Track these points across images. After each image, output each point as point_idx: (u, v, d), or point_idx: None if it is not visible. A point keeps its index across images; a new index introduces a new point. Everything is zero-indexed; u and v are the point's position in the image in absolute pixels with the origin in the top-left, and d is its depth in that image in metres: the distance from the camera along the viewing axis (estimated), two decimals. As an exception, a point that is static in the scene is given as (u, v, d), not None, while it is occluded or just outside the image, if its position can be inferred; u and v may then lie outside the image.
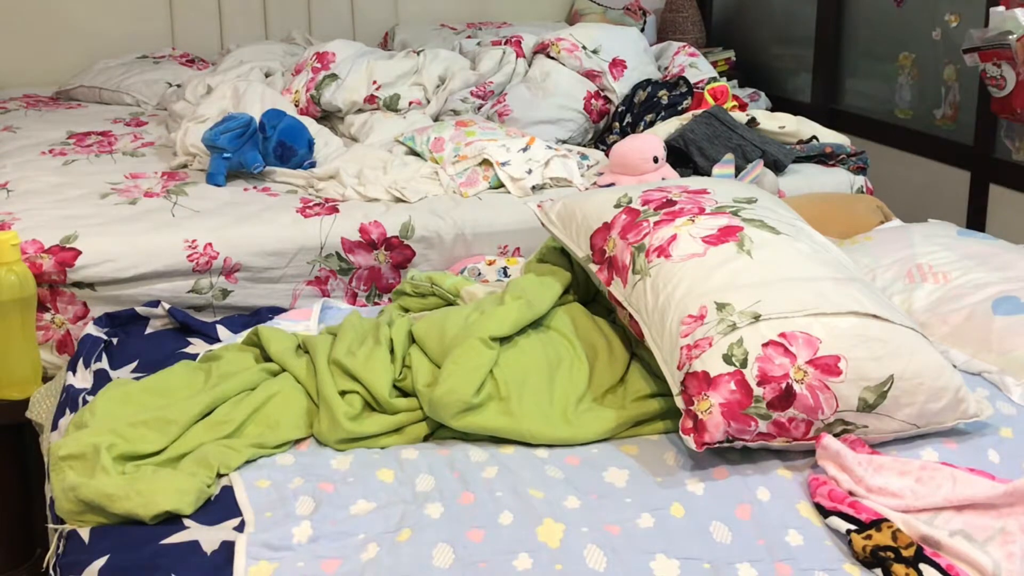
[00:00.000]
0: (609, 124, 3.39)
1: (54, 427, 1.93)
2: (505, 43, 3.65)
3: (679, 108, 3.29)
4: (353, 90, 3.37)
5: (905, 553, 1.44)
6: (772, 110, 3.56)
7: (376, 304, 2.54)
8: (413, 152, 3.05)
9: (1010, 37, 2.93)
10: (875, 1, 3.86)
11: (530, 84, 3.45)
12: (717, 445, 1.66)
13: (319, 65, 3.47)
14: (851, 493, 1.59)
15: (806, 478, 1.65)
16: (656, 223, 1.94)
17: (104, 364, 2.11)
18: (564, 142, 3.24)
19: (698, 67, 3.65)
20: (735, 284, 1.78)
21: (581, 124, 3.37)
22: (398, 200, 2.73)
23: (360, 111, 3.38)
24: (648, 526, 1.55)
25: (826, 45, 4.06)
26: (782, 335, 1.67)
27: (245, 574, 1.46)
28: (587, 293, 2.13)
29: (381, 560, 1.48)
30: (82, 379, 2.04)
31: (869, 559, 1.45)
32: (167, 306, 2.30)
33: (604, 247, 2.00)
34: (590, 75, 3.42)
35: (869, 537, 1.47)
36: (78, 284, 2.38)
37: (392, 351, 1.93)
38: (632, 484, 1.66)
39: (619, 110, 3.37)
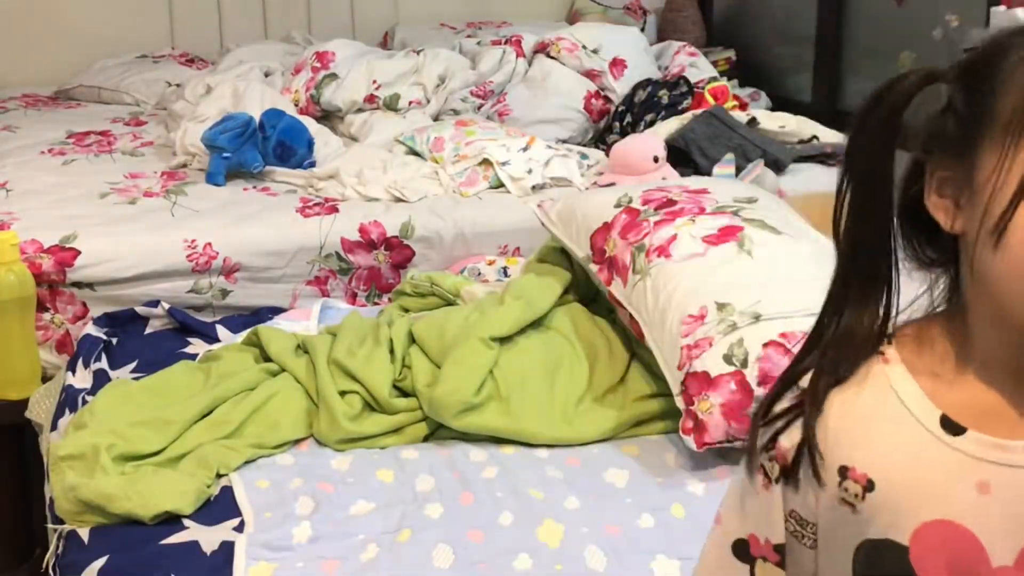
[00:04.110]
0: (609, 124, 3.38)
1: (53, 427, 1.92)
2: (505, 43, 3.65)
3: (679, 108, 3.29)
4: (353, 90, 3.37)
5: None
6: (772, 110, 3.55)
7: (376, 304, 2.54)
8: (413, 152, 3.05)
9: (1011, 37, 2.92)
10: (876, 0, 3.85)
11: (530, 84, 3.44)
12: (718, 445, 1.66)
13: (319, 65, 3.46)
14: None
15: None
16: (656, 223, 1.93)
17: (103, 364, 2.11)
18: (564, 142, 3.24)
19: (698, 67, 3.64)
20: (736, 284, 1.78)
21: (581, 124, 3.36)
22: (398, 200, 2.72)
23: (360, 111, 3.37)
24: (648, 526, 1.55)
25: (827, 44, 4.05)
26: (783, 335, 1.67)
27: (245, 574, 1.46)
28: (587, 293, 2.13)
29: (381, 561, 1.48)
30: (81, 379, 2.04)
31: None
32: (167, 306, 2.29)
33: (604, 247, 2.00)
34: (590, 75, 3.42)
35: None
36: (77, 284, 2.38)
37: (392, 351, 1.93)
38: (632, 484, 1.66)
39: (619, 110, 3.36)
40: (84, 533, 1.60)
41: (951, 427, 0.74)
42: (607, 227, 2.01)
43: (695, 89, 3.37)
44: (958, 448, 0.73)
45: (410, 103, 3.37)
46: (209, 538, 1.55)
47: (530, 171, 2.86)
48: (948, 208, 0.75)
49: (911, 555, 0.74)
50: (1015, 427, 0.73)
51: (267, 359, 2.00)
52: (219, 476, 1.70)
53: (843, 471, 0.76)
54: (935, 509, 0.73)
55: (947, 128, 0.74)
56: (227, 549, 1.52)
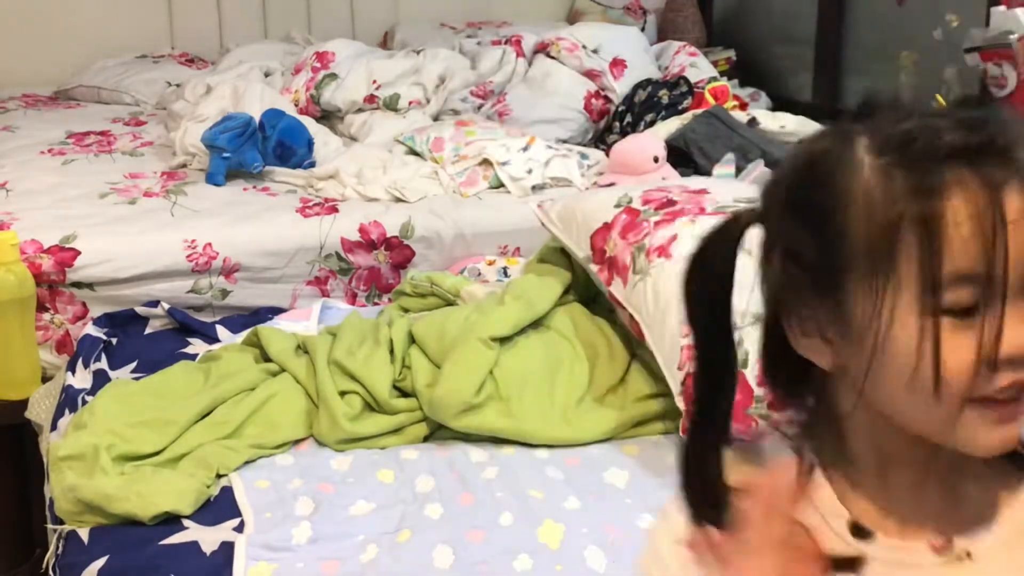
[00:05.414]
0: (609, 124, 3.38)
1: (53, 427, 1.92)
2: (505, 43, 3.65)
3: (679, 108, 3.29)
4: (353, 89, 3.37)
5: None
6: (772, 110, 3.55)
7: (376, 304, 2.54)
8: (413, 152, 3.05)
9: (1011, 37, 2.92)
10: (876, 0, 3.85)
11: (530, 84, 3.44)
12: (718, 445, 1.66)
13: (319, 65, 3.46)
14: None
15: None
16: (657, 223, 1.93)
17: (103, 364, 2.11)
18: (564, 142, 3.24)
19: (698, 66, 3.64)
20: (736, 284, 1.77)
21: (581, 124, 3.36)
22: (398, 200, 2.72)
23: (360, 111, 3.37)
24: (649, 527, 1.55)
25: (827, 44, 4.05)
26: (783, 335, 1.67)
27: (244, 575, 1.46)
28: (587, 293, 2.13)
29: (381, 561, 1.48)
30: (81, 379, 2.04)
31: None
32: (166, 306, 2.29)
33: (604, 247, 2.00)
34: (590, 75, 3.42)
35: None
36: (77, 284, 2.37)
37: (392, 351, 1.93)
38: (632, 484, 1.66)
39: (619, 110, 3.36)
40: (84, 533, 1.60)
41: (860, 532, 0.74)
42: (607, 227, 2.01)
43: (695, 89, 3.37)
44: (873, 555, 0.73)
45: (410, 103, 3.37)
46: (209, 538, 1.55)
47: (530, 171, 2.86)
48: (819, 347, 0.73)
49: None
50: (915, 527, 0.74)
51: (267, 359, 2.00)
52: (219, 476, 1.70)
53: None
54: None
55: (796, 274, 0.73)
56: (227, 549, 1.52)
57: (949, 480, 0.74)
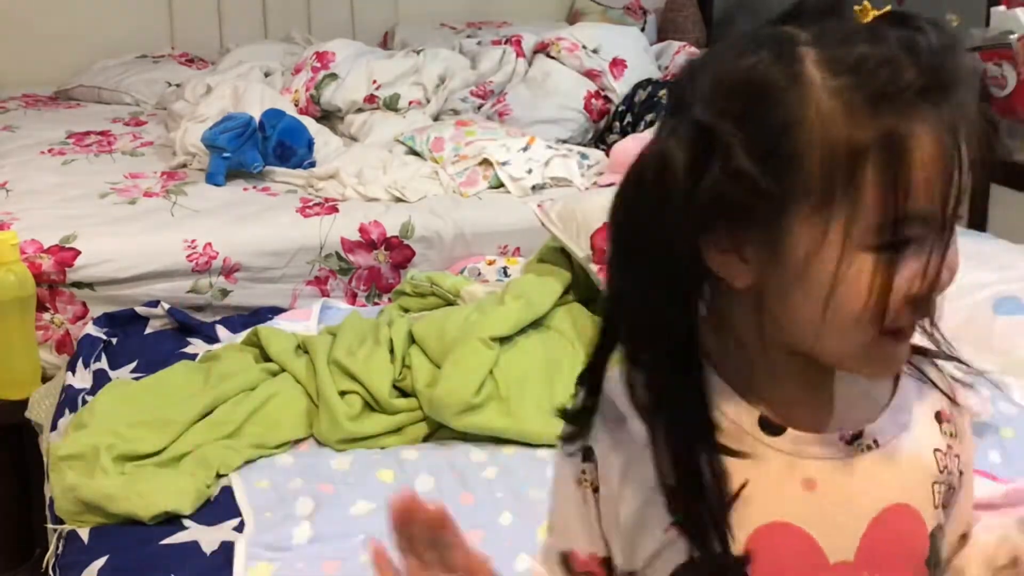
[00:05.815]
0: (609, 124, 3.38)
1: (53, 427, 1.92)
2: (505, 43, 3.65)
3: (679, 108, 3.29)
4: (353, 90, 3.37)
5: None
6: (772, 110, 3.55)
7: (376, 304, 2.54)
8: (413, 152, 3.05)
9: (1011, 37, 2.92)
10: (876, 1, 3.85)
11: (530, 84, 3.44)
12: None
13: (319, 65, 3.46)
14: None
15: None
16: (656, 223, 1.93)
17: (103, 364, 2.11)
18: (564, 142, 3.24)
19: (698, 67, 3.64)
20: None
21: (581, 124, 3.36)
22: (398, 200, 2.72)
23: (360, 111, 3.37)
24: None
25: (826, 45, 4.05)
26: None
27: (244, 575, 1.46)
28: (587, 293, 2.13)
29: (381, 561, 1.48)
30: (81, 379, 2.04)
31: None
32: (167, 306, 2.29)
33: (605, 247, 2.00)
34: (590, 75, 3.42)
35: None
36: (77, 284, 2.38)
37: (392, 351, 1.93)
38: (632, 484, 1.66)
39: (619, 110, 3.36)
40: (84, 533, 1.60)
41: (770, 428, 0.74)
42: (607, 227, 2.01)
43: (695, 89, 3.37)
44: (779, 448, 0.73)
45: (410, 103, 3.37)
46: (209, 538, 1.55)
47: (530, 171, 2.86)
48: (735, 265, 0.70)
49: (748, 560, 0.73)
50: (825, 419, 0.75)
51: (267, 359, 2.00)
52: (219, 476, 1.70)
53: None
54: (767, 512, 0.73)
55: (734, 194, 0.67)
56: (227, 549, 1.52)
57: (835, 377, 0.75)
